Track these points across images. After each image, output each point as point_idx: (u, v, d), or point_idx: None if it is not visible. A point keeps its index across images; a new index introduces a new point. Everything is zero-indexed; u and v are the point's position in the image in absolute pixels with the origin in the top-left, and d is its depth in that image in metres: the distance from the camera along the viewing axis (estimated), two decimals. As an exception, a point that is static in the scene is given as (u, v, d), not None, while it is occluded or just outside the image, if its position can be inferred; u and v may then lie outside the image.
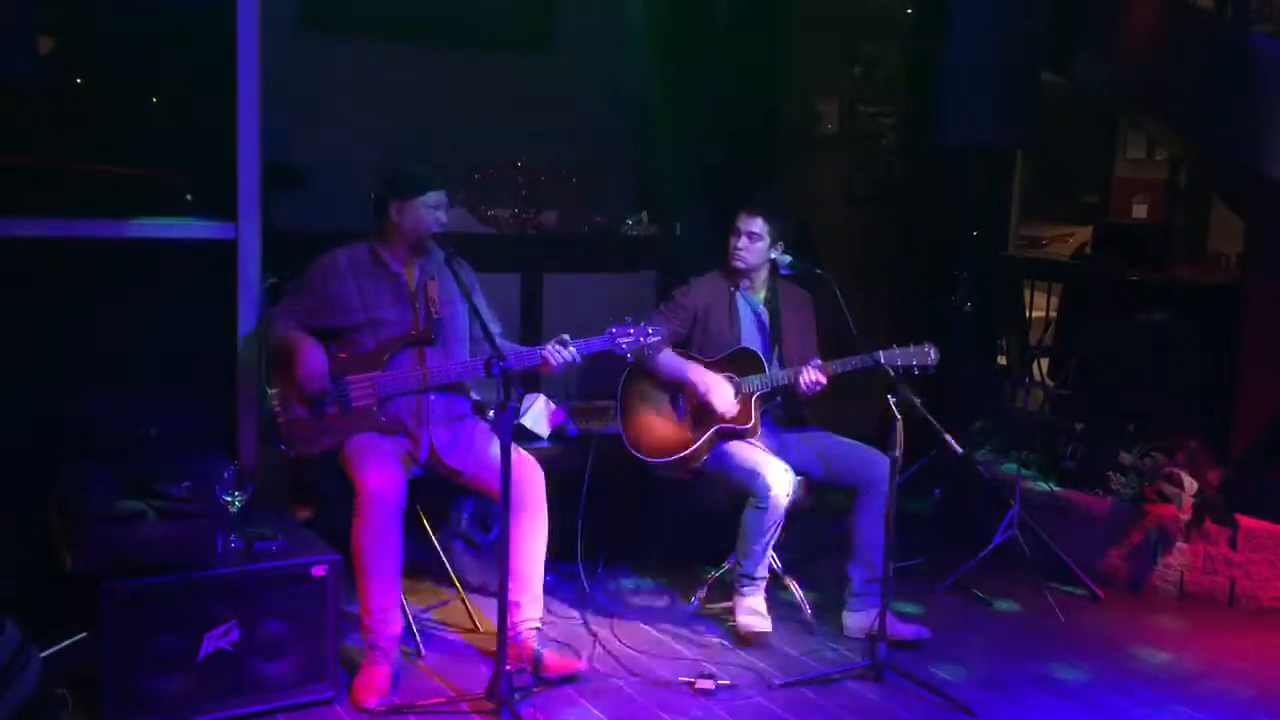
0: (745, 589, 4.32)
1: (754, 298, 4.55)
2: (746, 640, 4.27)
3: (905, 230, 6.77)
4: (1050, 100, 5.73)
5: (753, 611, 4.29)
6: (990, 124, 5.08)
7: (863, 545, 4.36)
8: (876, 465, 4.28)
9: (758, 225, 4.42)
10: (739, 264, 4.46)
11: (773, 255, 4.46)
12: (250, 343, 4.40)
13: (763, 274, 4.53)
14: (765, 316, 4.53)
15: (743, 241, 4.43)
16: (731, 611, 4.35)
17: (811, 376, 4.28)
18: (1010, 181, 7.38)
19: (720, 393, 4.33)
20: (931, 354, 4.21)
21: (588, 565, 4.83)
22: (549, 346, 3.98)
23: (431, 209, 4.01)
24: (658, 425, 4.44)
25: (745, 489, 4.21)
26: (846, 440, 4.47)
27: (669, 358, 4.43)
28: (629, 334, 4.02)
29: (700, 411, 4.38)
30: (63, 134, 4.38)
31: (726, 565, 4.49)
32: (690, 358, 4.46)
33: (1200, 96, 5.10)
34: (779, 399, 4.51)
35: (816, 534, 5.06)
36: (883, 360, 4.17)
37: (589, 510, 4.69)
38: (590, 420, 4.95)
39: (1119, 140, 8.23)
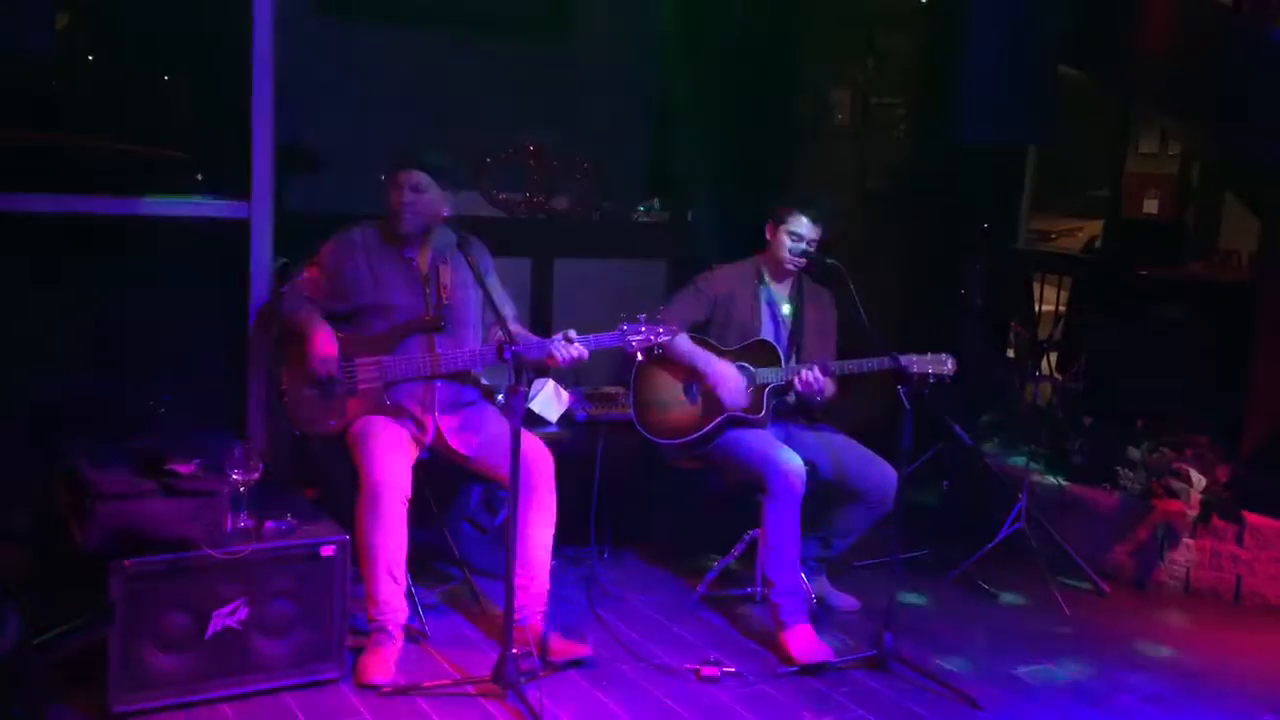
0: (786, 614, 4.10)
1: (781, 293, 4.50)
2: (809, 670, 3.99)
3: (917, 222, 6.74)
4: (1063, 93, 5.71)
5: (806, 638, 4.06)
6: (1007, 120, 5.05)
7: (833, 525, 4.40)
8: (888, 479, 4.21)
9: (817, 232, 4.35)
10: (793, 267, 4.40)
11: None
12: (260, 322, 4.40)
13: (794, 274, 4.48)
14: (789, 312, 4.49)
15: (802, 246, 4.35)
16: (778, 642, 4.11)
17: (805, 376, 4.23)
18: (1022, 175, 7.36)
19: (730, 386, 4.29)
20: (949, 364, 4.17)
21: (594, 550, 4.85)
22: (555, 343, 3.93)
23: (399, 189, 3.95)
24: (669, 408, 4.43)
25: (755, 476, 4.18)
26: (860, 446, 4.39)
27: (684, 341, 4.39)
28: (640, 331, 3.98)
29: (712, 398, 4.37)
30: (75, 110, 4.38)
31: (735, 553, 4.48)
32: (706, 344, 4.43)
33: (1218, 92, 5.08)
34: (792, 396, 4.47)
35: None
36: (901, 364, 4.08)
37: (596, 495, 4.69)
38: (599, 405, 4.95)
39: (1131, 135, 8.21)
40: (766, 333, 4.43)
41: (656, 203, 5.96)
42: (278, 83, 4.40)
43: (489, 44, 5.61)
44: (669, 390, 4.45)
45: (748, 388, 4.33)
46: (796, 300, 4.51)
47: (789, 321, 4.48)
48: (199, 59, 4.49)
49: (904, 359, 4.12)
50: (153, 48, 4.49)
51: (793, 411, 4.52)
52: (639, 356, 4.14)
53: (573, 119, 5.72)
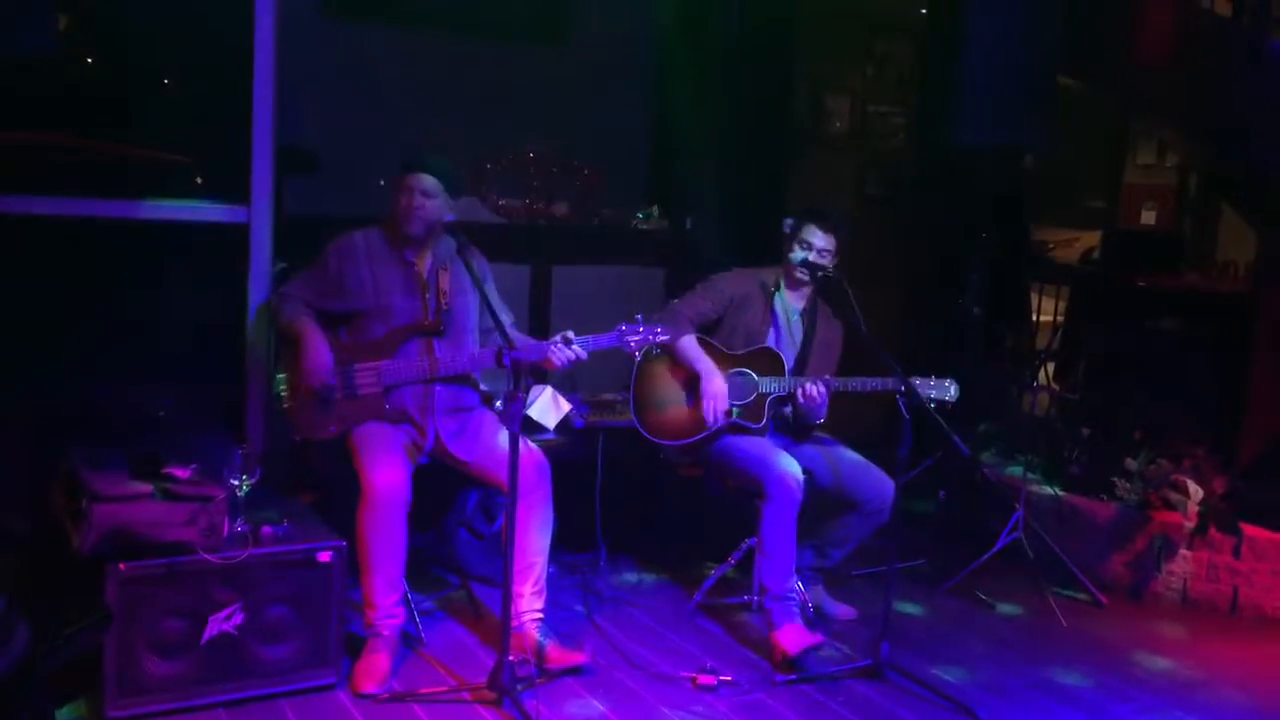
0: (778, 616, 4.11)
1: (793, 306, 4.50)
2: (792, 665, 4.01)
3: (914, 230, 6.75)
4: (1061, 103, 5.73)
5: (795, 632, 4.07)
6: (1005, 124, 5.06)
7: (829, 535, 4.38)
8: (885, 490, 4.22)
9: (829, 242, 4.35)
10: (801, 275, 4.40)
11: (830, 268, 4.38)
12: (259, 326, 4.40)
13: (807, 285, 4.47)
14: (800, 325, 4.48)
15: (814, 256, 4.35)
16: (771, 644, 4.11)
17: (809, 389, 4.22)
18: (1019, 183, 7.37)
19: (714, 405, 4.28)
20: (952, 390, 4.16)
21: (592, 557, 4.85)
22: (552, 345, 3.95)
23: (408, 193, 3.96)
24: (669, 409, 4.41)
25: (753, 481, 4.18)
26: (857, 455, 4.39)
27: (689, 343, 4.38)
28: (638, 332, 4.00)
29: None
30: (75, 113, 4.37)
31: (732, 561, 4.48)
32: (711, 348, 4.41)
33: (1216, 102, 5.09)
34: (789, 409, 4.44)
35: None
36: (905, 387, 4.02)
37: (593, 502, 4.69)
38: (597, 412, 4.94)
39: (1129, 145, 8.22)
40: (773, 342, 4.43)
41: (655, 210, 5.96)
42: (278, 86, 4.40)
43: (488, 49, 5.62)
44: (670, 391, 4.44)
45: (729, 409, 4.31)
46: (808, 316, 4.50)
47: (797, 335, 4.48)
48: (200, 62, 4.48)
49: (906, 381, 4.10)
50: (153, 50, 4.48)
51: (787, 427, 4.50)
52: (637, 356, 4.14)
53: (572, 125, 5.72)
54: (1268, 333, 5.17)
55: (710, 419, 4.29)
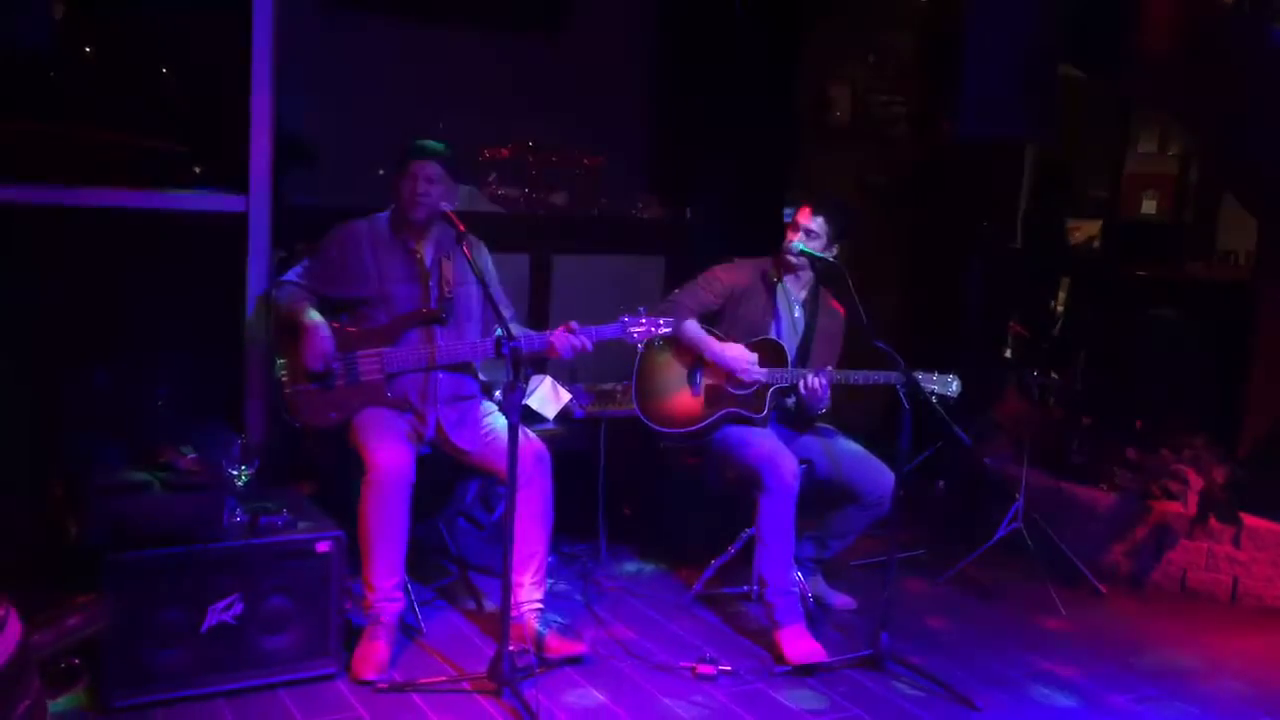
0: (781, 614, 4.10)
1: (795, 297, 4.49)
2: (803, 670, 3.97)
3: (916, 220, 6.74)
4: (1062, 93, 5.71)
5: (799, 638, 4.05)
6: (1007, 116, 5.04)
7: (829, 526, 4.39)
8: (884, 481, 4.21)
9: (817, 224, 4.34)
10: (792, 259, 4.39)
11: (828, 257, 4.37)
12: (258, 316, 4.39)
13: (807, 274, 4.47)
14: (801, 316, 4.48)
15: (800, 236, 4.37)
16: (773, 641, 4.10)
17: (811, 381, 4.22)
18: (1020, 174, 7.36)
19: (742, 363, 4.27)
20: (954, 385, 4.14)
21: (591, 547, 4.84)
22: (558, 333, 3.96)
23: (413, 180, 3.97)
24: (672, 396, 4.41)
25: (751, 473, 4.17)
26: (858, 446, 4.39)
27: (693, 326, 4.38)
28: (641, 323, 4.00)
29: (715, 391, 4.36)
30: (71, 101, 4.36)
31: (731, 551, 4.47)
32: (714, 336, 4.41)
33: (1218, 90, 5.07)
34: (792, 400, 4.44)
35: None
36: (909, 381, 4.00)
37: (593, 492, 4.69)
38: (597, 402, 4.94)
39: (1130, 134, 8.19)
40: (775, 332, 4.42)
41: (655, 199, 5.95)
42: (276, 75, 4.39)
43: (488, 38, 5.60)
44: (672, 379, 4.43)
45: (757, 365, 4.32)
46: (810, 307, 4.49)
47: (799, 325, 4.47)
48: (198, 50, 4.47)
49: (909, 375, 4.08)
50: (151, 39, 4.47)
51: (789, 417, 4.50)
52: (639, 347, 4.14)
53: (571, 115, 5.71)
54: (1268, 322, 5.16)
55: (748, 376, 4.28)
